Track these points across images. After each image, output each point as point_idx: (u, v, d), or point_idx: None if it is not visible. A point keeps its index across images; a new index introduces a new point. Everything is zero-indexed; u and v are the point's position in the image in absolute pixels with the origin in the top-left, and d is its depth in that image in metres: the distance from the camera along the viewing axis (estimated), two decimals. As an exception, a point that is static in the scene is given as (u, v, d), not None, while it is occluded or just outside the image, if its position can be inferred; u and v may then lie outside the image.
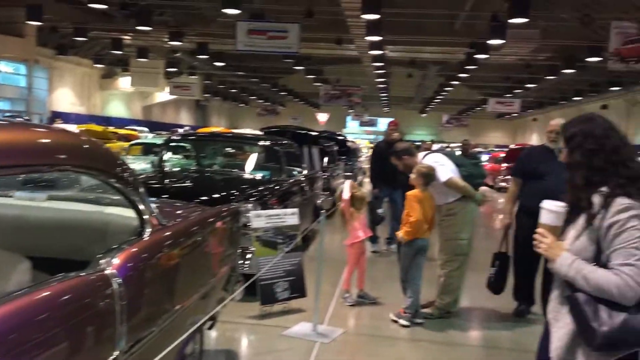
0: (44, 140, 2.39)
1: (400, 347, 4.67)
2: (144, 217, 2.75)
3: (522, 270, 5.29)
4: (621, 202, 2.06)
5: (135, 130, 28.34)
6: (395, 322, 5.05)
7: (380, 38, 17.18)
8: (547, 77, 26.21)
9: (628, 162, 2.15)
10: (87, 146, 2.58)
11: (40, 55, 24.70)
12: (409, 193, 5.02)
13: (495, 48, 19.06)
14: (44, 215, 2.94)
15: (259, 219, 5.14)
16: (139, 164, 11.04)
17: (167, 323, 2.75)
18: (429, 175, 5.03)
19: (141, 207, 2.74)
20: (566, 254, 2.15)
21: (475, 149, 14.37)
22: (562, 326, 2.18)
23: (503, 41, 16.23)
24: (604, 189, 2.12)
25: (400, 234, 5.01)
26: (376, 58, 23.12)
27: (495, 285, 5.17)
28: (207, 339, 3.42)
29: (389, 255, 8.07)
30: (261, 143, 7.94)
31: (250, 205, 5.62)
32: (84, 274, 2.22)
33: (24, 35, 21.64)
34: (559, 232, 2.25)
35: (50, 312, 1.96)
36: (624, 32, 13.62)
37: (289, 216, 5.33)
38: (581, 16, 17.28)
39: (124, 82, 32.57)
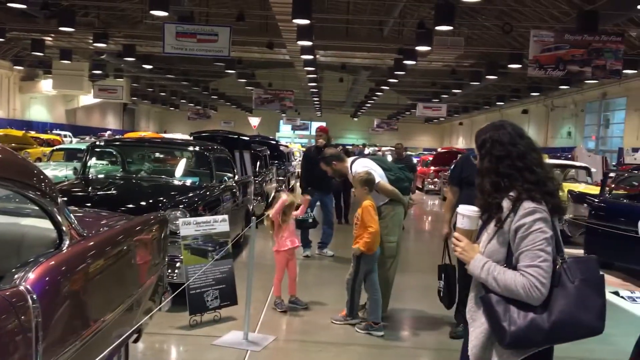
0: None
1: (331, 351, 4.68)
2: (62, 228, 2.64)
3: (464, 283, 5.20)
4: (527, 205, 2.17)
5: (59, 135, 27.23)
6: (337, 325, 5.09)
7: (311, 43, 17.27)
8: (472, 83, 27.13)
9: (534, 167, 2.26)
10: (-1, 155, 2.45)
11: (-47, 55, 23.31)
12: (366, 203, 5.01)
13: (422, 54, 19.56)
14: None
15: (188, 226, 5.04)
16: (61, 171, 10.63)
17: (89, 338, 2.64)
18: (370, 181, 5.08)
19: (59, 218, 2.62)
20: (479, 256, 2.25)
21: (406, 152, 14.62)
22: (478, 326, 2.27)
23: (429, 48, 16.68)
24: (512, 193, 2.22)
25: (359, 246, 4.97)
26: (308, 62, 23.22)
27: (447, 299, 4.94)
28: (133, 352, 3.30)
29: (322, 259, 8.12)
30: (190, 148, 7.81)
31: (178, 213, 5.51)
32: (-3, 289, 2.09)
33: None
34: (473, 236, 2.34)
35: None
36: (542, 40, 14.29)
37: (219, 223, 5.26)
38: (502, 24, 18.00)
39: (46, 85, 31.21)
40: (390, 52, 21.61)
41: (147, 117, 53.40)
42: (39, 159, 18.54)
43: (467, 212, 2.35)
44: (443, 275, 4.95)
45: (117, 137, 9.49)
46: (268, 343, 4.64)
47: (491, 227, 2.26)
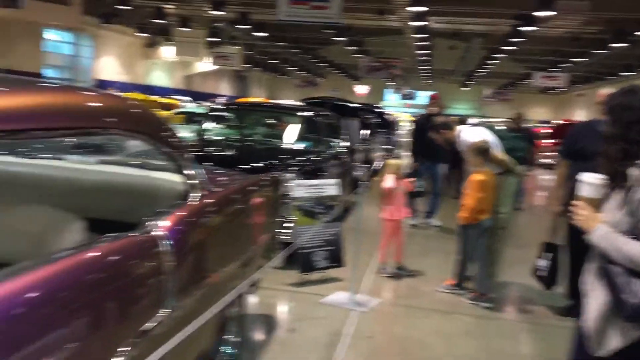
0: (93, 104, 2.46)
1: (435, 318, 4.70)
2: (191, 181, 2.82)
3: (578, 263, 4.84)
4: None
5: (176, 99, 28.74)
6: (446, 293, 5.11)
7: (424, 9, 16.85)
8: (596, 51, 25.33)
9: None
10: (136, 110, 2.65)
11: (86, 23, 25.07)
12: (471, 176, 4.95)
13: (543, 20, 18.48)
14: (94, 178, 3.04)
15: (300, 188, 5.19)
16: (182, 132, 11.22)
17: (211, 286, 2.84)
18: (485, 150, 4.97)
19: (188, 172, 2.81)
20: (602, 225, 2.16)
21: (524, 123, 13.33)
22: (595, 297, 2.19)
23: (552, 13, 15.71)
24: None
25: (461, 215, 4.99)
26: (419, 29, 22.71)
27: (549, 279, 4.61)
28: (247, 304, 3.51)
29: (427, 229, 8.07)
30: (302, 114, 7.98)
31: (291, 175, 5.68)
32: (133, 234, 2.30)
33: (69, 4, 21.97)
34: (597, 205, 2.24)
35: (102, 270, 2.04)
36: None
37: (329, 186, 5.37)
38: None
39: (166, 52, 32.88)
40: (507, 18, 20.62)
41: (258, 84, 54.90)
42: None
43: (591, 180, 2.26)
44: (549, 254, 4.60)
45: (232, 102, 9.86)
46: (374, 305, 4.73)
47: (617, 195, 2.17)
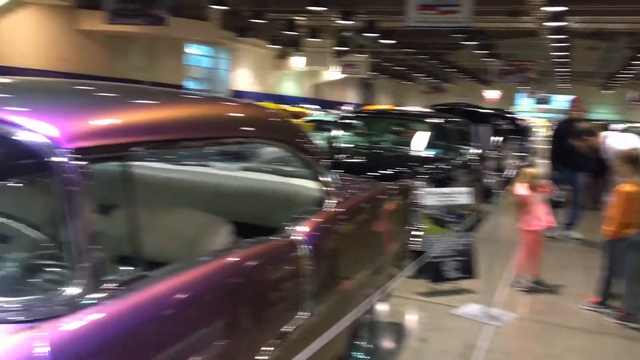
0: (240, 115, 2.60)
1: (578, 337, 4.39)
2: (326, 188, 2.88)
3: None
4: None
5: (305, 107, 29.55)
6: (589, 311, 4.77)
7: (563, 9, 15.93)
8: None
9: None
10: (277, 120, 2.76)
11: (223, 37, 26.59)
12: (618, 187, 4.62)
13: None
14: (238, 184, 3.20)
15: (431, 196, 5.11)
16: (313, 140, 11.50)
17: (345, 292, 2.87)
18: (635, 158, 4.59)
19: (323, 179, 2.87)
20: None
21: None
22: None
23: None
24: None
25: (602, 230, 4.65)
26: (556, 30, 21.51)
27: None
28: (378, 311, 3.50)
29: (567, 242, 7.59)
30: (431, 120, 7.85)
31: (420, 183, 5.61)
32: (274, 238, 2.39)
33: (209, 19, 23.44)
34: None
35: (248, 271, 2.14)
36: None
37: (461, 195, 5.24)
38: None
39: (296, 62, 33.96)
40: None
41: (384, 91, 54.96)
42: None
43: None
44: None
45: (361, 110, 9.93)
46: (509, 319, 4.53)
47: None
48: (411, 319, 4.65)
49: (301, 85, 39.16)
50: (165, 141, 1.92)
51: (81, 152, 1.55)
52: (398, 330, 4.19)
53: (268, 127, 2.67)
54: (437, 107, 11.89)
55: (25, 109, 1.64)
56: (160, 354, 1.64)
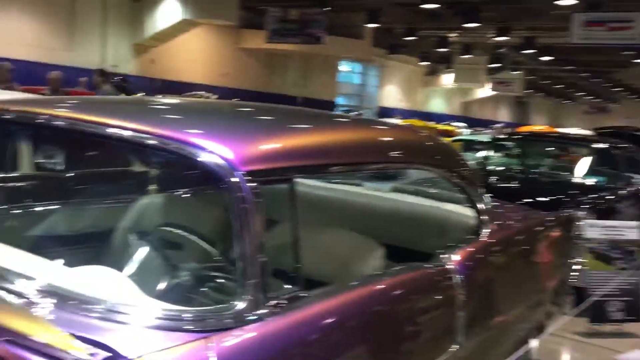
0: (398, 139, 2.60)
1: None
2: (482, 217, 2.77)
3: None
4: None
5: (453, 125, 28.96)
6: None
7: None
8: None
9: None
10: (436, 144, 2.72)
11: (374, 54, 26.98)
12: None
13: None
14: (389, 205, 3.19)
15: (594, 229, 4.72)
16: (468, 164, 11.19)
17: (497, 327, 2.73)
18: None
19: (479, 206, 2.77)
20: None
21: None
22: None
23: None
24: None
25: None
26: None
27: None
28: (532, 348, 3.28)
29: None
30: (595, 145, 7.27)
31: (583, 213, 5.21)
32: (429, 265, 2.33)
33: (362, 37, 23.93)
34: None
35: (401, 298, 2.11)
36: None
37: (630, 229, 4.78)
38: None
39: (446, 79, 33.47)
40: None
41: (538, 111, 52.19)
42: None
43: None
44: None
45: (515, 130, 9.48)
46: (683, 374, 4.02)
47: None
48: (567, 360, 4.32)
49: (450, 103, 38.48)
50: (328, 165, 1.96)
51: (253, 175, 1.63)
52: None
53: (425, 152, 2.63)
54: (601, 130, 11.05)
55: (204, 132, 1.76)
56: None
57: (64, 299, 1.46)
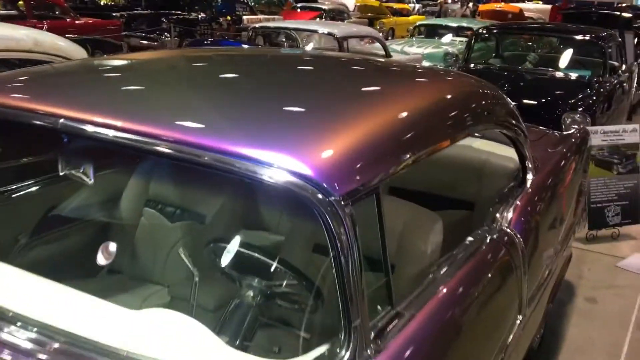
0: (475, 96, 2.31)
1: None
2: (527, 163, 2.58)
3: None
4: None
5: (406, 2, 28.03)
6: None
7: None
8: None
9: None
10: (490, 91, 2.45)
11: None
12: None
13: None
14: None
15: (595, 135, 4.65)
16: (426, 48, 10.80)
17: (550, 269, 2.66)
18: None
19: (525, 152, 2.57)
20: None
21: None
22: None
23: None
24: None
25: None
26: None
27: None
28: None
29: None
30: (579, 36, 7.00)
31: (578, 117, 5.10)
32: (492, 234, 2.13)
33: None
34: None
35: (478, 278, 1.92)
36: None
37: (629, 133, 4.73)
38: None
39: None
40: None
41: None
42: (393, 30, 19.44)
43: None
44: None
45: (495, 23, 9.01)
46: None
47: None
48: (573, 272, 4.38)
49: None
50: (414, 161, 1.67)
51: (350, 196, 1.35)
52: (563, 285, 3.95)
53: (493, 103, 2.38)
54: (566, 12, 10.78)
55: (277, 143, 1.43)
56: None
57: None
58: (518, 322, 2.15)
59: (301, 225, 1.76)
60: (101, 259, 1.95)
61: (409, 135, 1.71)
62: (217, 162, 1.35)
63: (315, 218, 1.32)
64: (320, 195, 1.31)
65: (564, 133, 3.64)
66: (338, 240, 1.31)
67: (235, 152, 1.35)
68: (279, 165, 1.32)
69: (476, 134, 2.91)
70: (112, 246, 1.99)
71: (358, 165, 1.43)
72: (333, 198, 1.32)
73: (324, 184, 1.32)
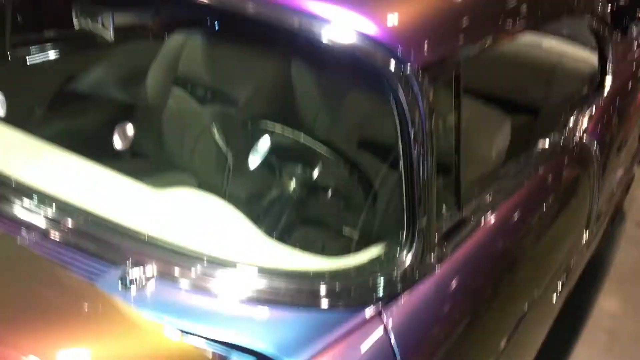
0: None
1: None
2: (608, 66, 2.26)
3: None
4: None
5: None
6: None
7: None
8: None
9: None
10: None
11: None
12: None
13: None
14: None
15: None
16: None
17: (613, 199, 2.42)
18: None
19: (609, 54, 2.24)
20: None
21: None
22: None
23: None
24: None
25: None
26: None
27: None
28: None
29: None
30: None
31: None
32: (564, 140, 1.87)
33: None
34: None
35: (552, 186, 1.70)
36: None
37: None
38: None
39: None
40: None
41: None
42: None
43: None
44: None
45: None
46: None
47: None
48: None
49: None
50: (495, 40, 1.38)
51: (429, 69, 1.08)
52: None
53: None
54: None
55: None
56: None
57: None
58: (585, 238, 1.93)
59: (363, 104, 1.48)
60: (118, 142, 1.74)
61: (493, 7, 1.41)
62: (261, 13, 1.06)
63: (383, 94, 1.06)
64: (393, 64, 1.03)
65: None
66: (411, 123, 1.05)
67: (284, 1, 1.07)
68: (341, 23, 1.04)
69: (552, 28, 2.55)
70: (130, 128, 1.78)
71: (440, 33, 1.15)
72: (409, 69, 1.04)
73: (399, 51, 1.04)
